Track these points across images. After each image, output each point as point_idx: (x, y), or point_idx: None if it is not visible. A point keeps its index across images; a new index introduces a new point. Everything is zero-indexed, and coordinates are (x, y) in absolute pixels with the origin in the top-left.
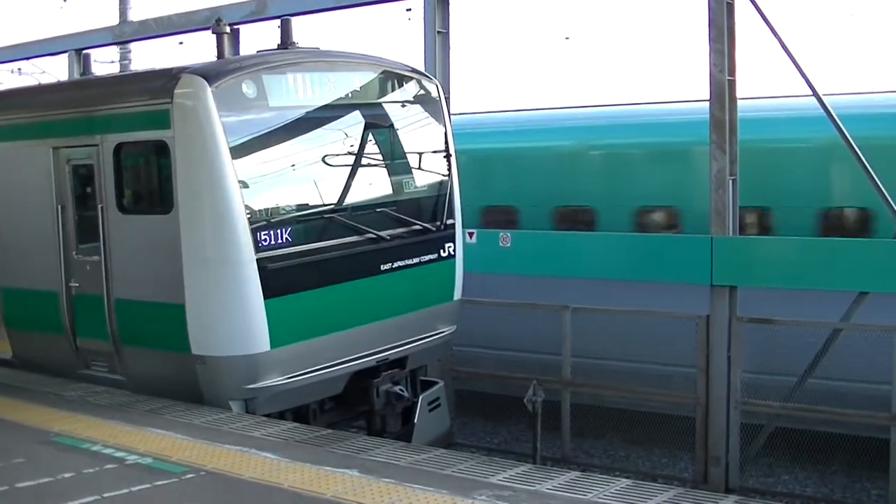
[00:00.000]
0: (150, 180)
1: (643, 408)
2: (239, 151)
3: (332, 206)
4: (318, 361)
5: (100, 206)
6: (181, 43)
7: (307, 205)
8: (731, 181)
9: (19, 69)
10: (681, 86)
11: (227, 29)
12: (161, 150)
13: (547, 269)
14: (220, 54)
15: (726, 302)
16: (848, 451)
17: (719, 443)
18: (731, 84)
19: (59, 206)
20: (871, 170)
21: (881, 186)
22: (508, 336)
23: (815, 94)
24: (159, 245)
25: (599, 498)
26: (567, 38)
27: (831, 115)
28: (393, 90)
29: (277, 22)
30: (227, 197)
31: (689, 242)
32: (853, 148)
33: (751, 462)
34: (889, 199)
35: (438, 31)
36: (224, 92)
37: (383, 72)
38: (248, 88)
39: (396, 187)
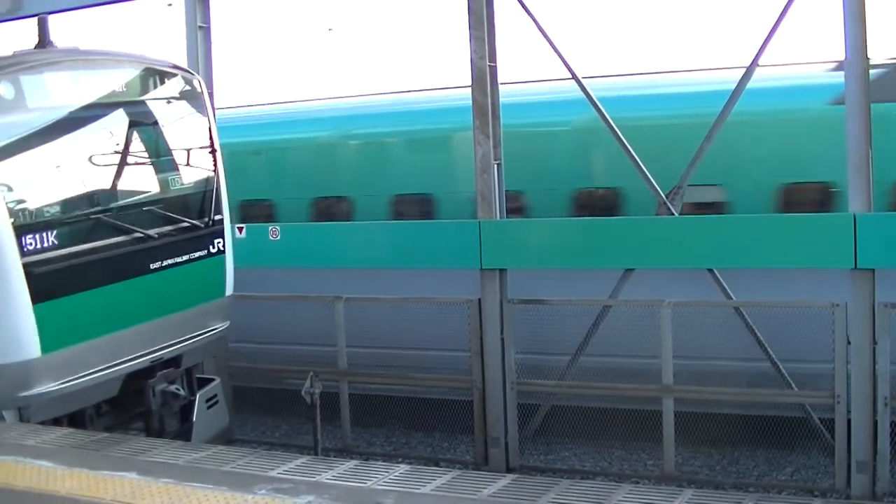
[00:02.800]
0: None
1: (423, 394)
2: None
3: (99, 207)
4: (91, 365)
5: None
6: None
7: (73, 206)
8: (495, 165)
9: None
10: (449, 74)
11: None
12: None
13: (319, 260)
14: None
15: (497, 285)
16: (624, 424)
17: (497, 424)
18: (493, 70)
19: None
20: (631, 150)
21: (642, 166)
22: (285, 330)
23: (574, 76)
24: None
25: (379, 485)
26: (330, 30)
27: (591, 98)
28: (155, 87)
29: (35, 21)
30: None
31: (458, 228)
32: (614, 129)
33: (530, 441)
34: (650, 178)
35: (200, 26)
36: None
37: (144, 69)
38: (4, 90)
39: (163, 185)
